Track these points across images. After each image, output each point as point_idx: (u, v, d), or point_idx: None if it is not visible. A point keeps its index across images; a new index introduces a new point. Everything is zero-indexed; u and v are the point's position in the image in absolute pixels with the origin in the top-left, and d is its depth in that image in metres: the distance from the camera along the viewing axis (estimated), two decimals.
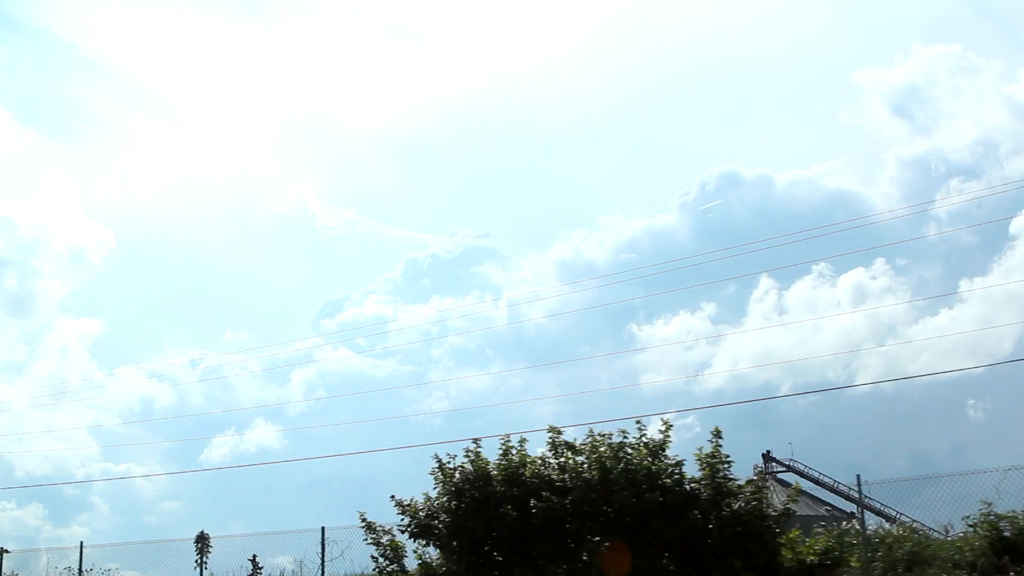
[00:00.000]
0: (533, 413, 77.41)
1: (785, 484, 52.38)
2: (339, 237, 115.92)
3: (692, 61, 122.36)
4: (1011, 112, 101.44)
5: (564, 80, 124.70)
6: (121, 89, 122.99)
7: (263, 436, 70.74)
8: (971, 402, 79.49)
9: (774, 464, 54.41)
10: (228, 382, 75.37)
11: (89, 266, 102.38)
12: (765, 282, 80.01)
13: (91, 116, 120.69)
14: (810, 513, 50.39)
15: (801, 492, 21.35)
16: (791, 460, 54.35)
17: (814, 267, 76.09)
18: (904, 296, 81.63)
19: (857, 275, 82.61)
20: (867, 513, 20.68)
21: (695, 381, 69.68)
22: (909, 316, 75.26)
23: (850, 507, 52.37)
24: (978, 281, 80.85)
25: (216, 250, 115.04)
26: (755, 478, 19.23)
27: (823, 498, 52.58)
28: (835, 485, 53.60)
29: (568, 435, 19.48)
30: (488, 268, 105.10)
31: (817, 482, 54.13)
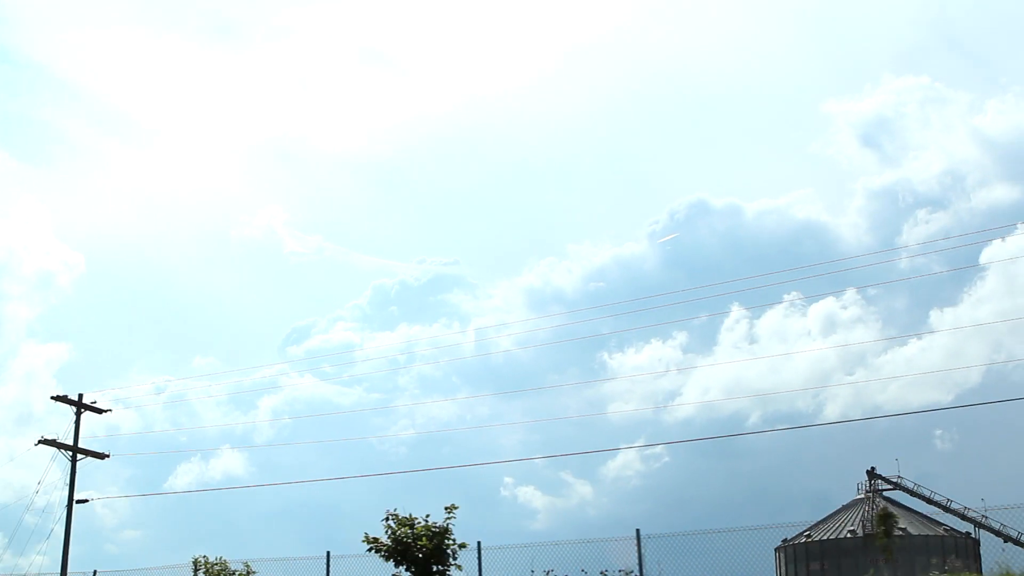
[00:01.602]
0: (500, 442, 76.76)
1: (894, 503, 49.33)
2: (307, 263, 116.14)
3: (663, 90, 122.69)
4: (978, 144, 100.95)
5: (534, 108, 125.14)
6: (92, 112, 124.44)
7: (229, 463, 71.88)
8: (938, 432, 78.38)
9: (879, 482, 51.07)
10: (194, 408, 77.37)
11: (58, 290, 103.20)
12: (736, 311, 78.50)
13: (62, 138, 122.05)
14: (928, 533, 47.38)
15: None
16: (899, 477, 51.01)
17: (785, 296, 74.02)
18: (874, 326, 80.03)
19: (827, 305, 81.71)
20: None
21: (665, 410, 69.39)
22: (879, 346, 74.42)
23: (966, 527, 49.28)
24: (948, 311, 79.42)
25: (185, 275, 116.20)
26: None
27: (933, 517, 49.36)
28: (948, 504, 50.22)
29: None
30: (456, 296, 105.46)
31: (929, 501, 50.82)
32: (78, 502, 34.76)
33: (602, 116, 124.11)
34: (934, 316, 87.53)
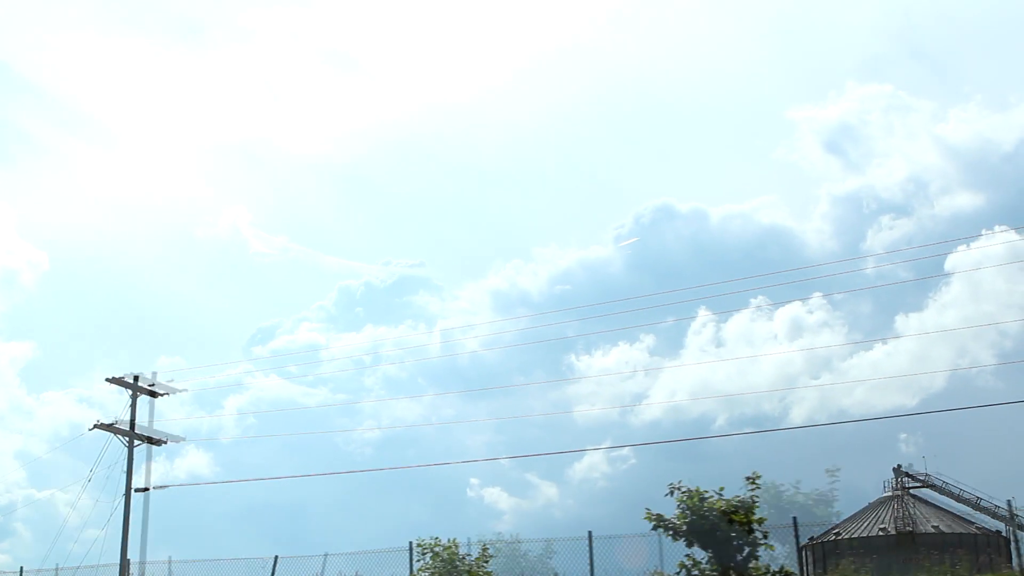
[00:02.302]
0: (465, 442, 76.86)
1: (922, 500, 49.20)
2: (272, 264, 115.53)
3: (629, 95, 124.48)
4: (941, 151, 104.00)
5: (501, 111, 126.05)
6: (56, 112, 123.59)
7: (194, 462, 71.53)
8: (903, 436, 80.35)
9: (907, 479, 50.91)
10: (158, 408, 74.51)
11: (21, 288, 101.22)
12: (703, 315, 79.82)
13: (24, 138, 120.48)
14: (960, 531, 47.24)
15: None
16: (926, 475, 50.90)
17: (752, 300, 75.20)
18: (840, 331, 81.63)
19: (794, 309, 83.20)
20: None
21: (631, 412, 70.08)
22: (844, 350, 76.01)
23: (998, 525, 49.34)
24: (913, 317, 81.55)
25: (150, 274, 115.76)
26: None
27: (965, 516, 49.30)
28: (978, 502, 50.26)
29: None
30: (422, 297, 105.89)
31: (958, 498, 50.74)
32: (136, 491, 32.74)
33: (568, 121, 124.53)
34: (899, 321, 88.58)
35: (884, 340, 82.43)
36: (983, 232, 38.34)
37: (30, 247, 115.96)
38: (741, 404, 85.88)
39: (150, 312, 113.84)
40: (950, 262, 64.87)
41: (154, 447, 33.57)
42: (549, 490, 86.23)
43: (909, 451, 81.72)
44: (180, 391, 34.11)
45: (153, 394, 34.04)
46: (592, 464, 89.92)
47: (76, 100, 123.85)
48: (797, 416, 76.24)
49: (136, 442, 33.18)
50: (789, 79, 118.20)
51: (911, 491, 50.68)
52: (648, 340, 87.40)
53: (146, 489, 32.79)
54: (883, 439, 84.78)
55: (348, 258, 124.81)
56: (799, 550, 49.59)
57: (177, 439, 34.01)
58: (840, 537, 49.25)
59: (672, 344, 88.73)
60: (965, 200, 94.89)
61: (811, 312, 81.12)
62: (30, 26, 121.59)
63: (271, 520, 71.22)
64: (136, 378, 33.80)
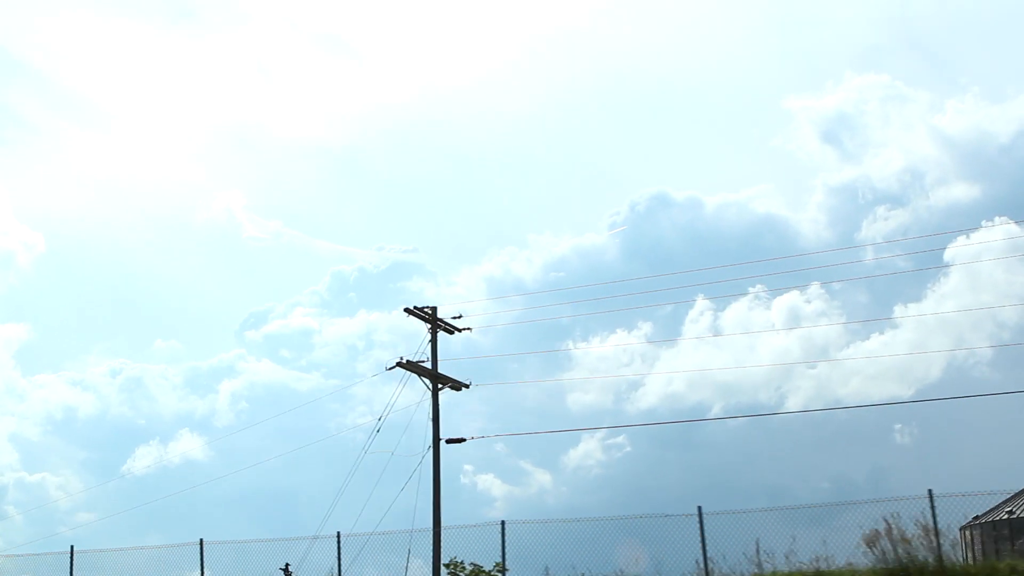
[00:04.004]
0: (460, 430, 75.37)
1: None
2: (265, 248, 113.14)
3: (625, 82, 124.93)
4: (937, 142, 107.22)
5: (495, 96, 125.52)
6: (49, 93, 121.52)
7: (187, 447, 71.09)
8: (898, 427, 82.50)
9: None
10: (151, 392, 76.99)
11: (17, 270, 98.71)
12: (700, 303, 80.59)
13: (18, 119, 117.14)
14: None
15: None
16: None
17: (750, 289, 75.55)
18: (838, 320, 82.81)
19: (791, 298, 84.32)
20: None
21: (627, 400, 69.48)
22: (841, 340, 77.03)
23: None
24: (912, 307, 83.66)
25: (144, 257, 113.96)
26: None
27: None
28: None
29: None
30: (416, 283, 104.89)
31: None
32: (448, 441, 27.77)
33: (563, 107, 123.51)
34: (897, 311, 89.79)
35: (881, 331, 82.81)
36: (983, 223, 37.55)
37: (26, 229, 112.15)
38: (737, 393, 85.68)
39: (144, 295, 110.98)
40: (949, 252, 65.02)
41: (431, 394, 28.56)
42: (543, 477, 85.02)
43: (904, 441, 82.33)
44: (466, 329, 29.26)
45: (452, 329, 29.08)
46: (587, 451, 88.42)
47: (70, 82, 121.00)
48: (792, 405, 76.06)
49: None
50: (786, 68, 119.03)
51: None
52: (646, 327, 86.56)
53: (460, 440, 27.79)
54: (877, 429, 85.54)
55: (341, 243, 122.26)
56: (963, 530, 47.32)
57: (459, 384, 29.09)
58: (1014, 515, 47.12)
59: (670, 332, 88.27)
60: (961, 191, 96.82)
61: (809, 302, 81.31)
62: (23, 7, 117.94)
63: (263, 505, 69.56)
64: (435, 310, 28.78)
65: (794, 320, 78.57)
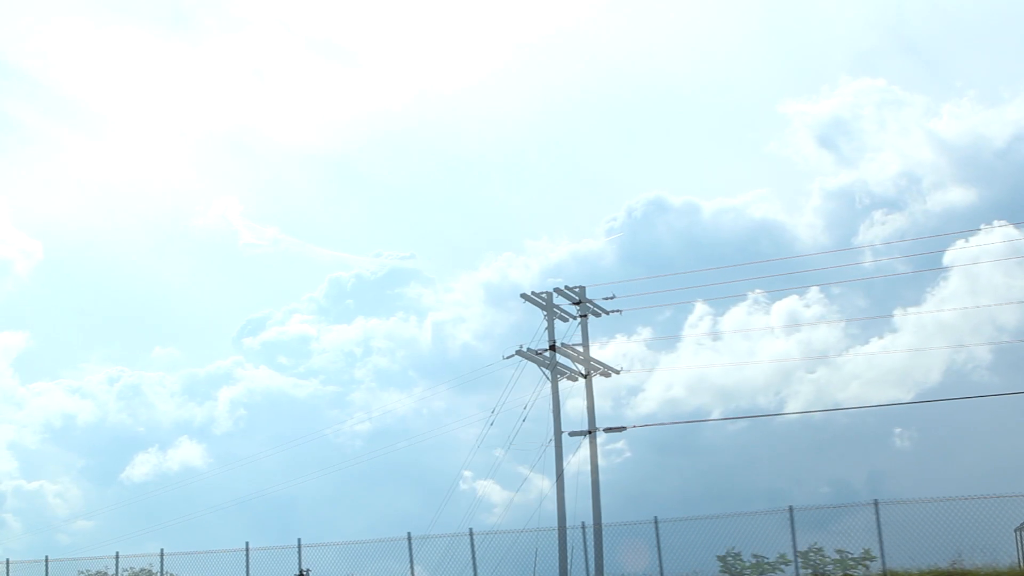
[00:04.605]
0: (457, 435, 75.55)
1: None
2: (262, 255, 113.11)
3: (621, 87, 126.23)
4: (934, 147, 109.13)
5: (490, 103, 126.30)
6: (45, 99, 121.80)
7: (187, 454, 71.54)
8: (898, 431, 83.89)
9: None
10: (149, 399, 77.47)
11: (15, 278, 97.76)
12: (700, 308, 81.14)
13: (14, 126, 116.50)
14: None
15: None
16: None
17: (749, 294, 76.26)
18: (837, 325, 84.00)
19: (791, 303, 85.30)
20: None
21: (626, 405, 70.48)
22: (841, 344, 77.96)
23: None
24: (911, 311, 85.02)
25: (142, 264, 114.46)
26: None
27: None
28: None
29: None
30: (413, 289, 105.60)
31: None
32: (571, 434, 26.28)
33: (559, 112, 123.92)
34: (897, 315, 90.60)
35: (880, 334, 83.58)
36: (981, 227, 37.82)
37: (24, 236, 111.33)
38: (736, 397, 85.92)
39: (142, 303, 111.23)
40: (948, 256, 65.52)
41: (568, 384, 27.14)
42: (542, 483, 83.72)
43: (903, 445, 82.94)
44: (613, 312, 27.78)
45: (598, 312, 27.57)
46: (586, 457, 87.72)
47: (66, 88, 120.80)
48: (792, 409, 76.55)
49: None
50: (782, 73, 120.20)
51: None
52: (645, 333, 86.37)
53: (588, 432, 26.30)
54: (876, 433, 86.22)
55: (338, 249, 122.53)
56: (1017, 531, 46.62)
57: (609, 370, 27.61)
58: None
59: (670, 337, 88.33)
60: (957, 195, 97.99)
61: (808, 306, 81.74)
62: (19, 13, 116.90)
63: (262, 511, 69.04)
64: (583, 290, 27.32)
65: (793, 324, 78.55)
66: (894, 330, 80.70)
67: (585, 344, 26.95)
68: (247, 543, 33.41)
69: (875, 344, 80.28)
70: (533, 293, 27.14)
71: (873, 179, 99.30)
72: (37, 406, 78.23)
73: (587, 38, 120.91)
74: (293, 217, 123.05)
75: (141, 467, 71.74)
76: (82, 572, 37.01)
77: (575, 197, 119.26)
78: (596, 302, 27.08)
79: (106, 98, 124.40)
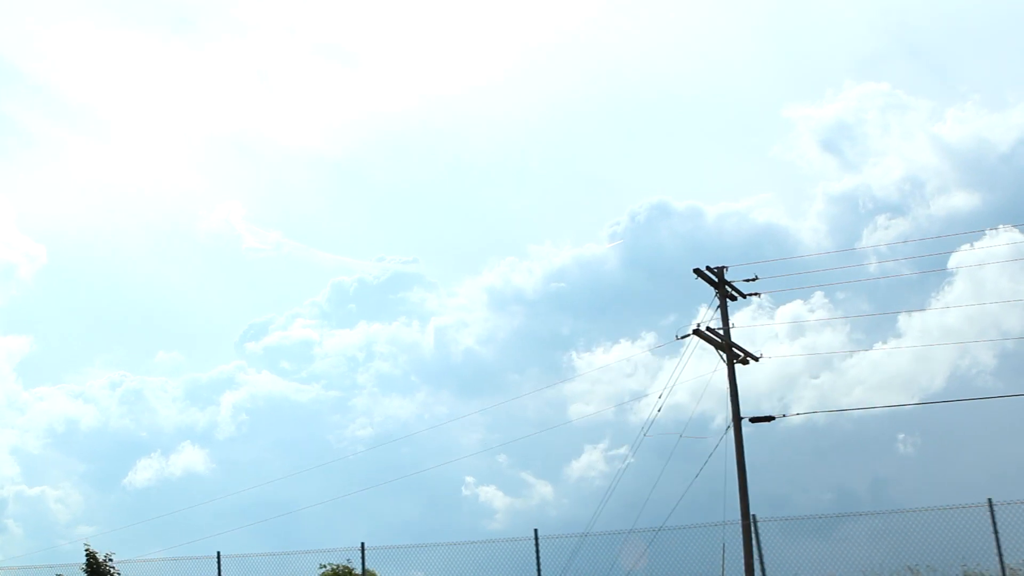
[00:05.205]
0: (460, 441, 75.66)
1: None
2: (265, 259, 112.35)
3: (624, 91, 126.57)
4: (938, 151, 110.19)
5: (494, 107, 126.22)
6: (49, 103, 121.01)
7: (189, 459, 71.54)
8: (901, 436, 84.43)
9: None
10: (152, 404, 77.56)
11: (19, 282, 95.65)
12: (704, 312, 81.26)
13: (18, 130, 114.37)
14: None
15: None
16: None
17: (754, 299, 76.44)
18: (842, 330, 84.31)
19: (795, 308, 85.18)
20: None
21: (630, 411, 70.10)
22: (845, 349, 78.12)
23: None
24: (916, 316, 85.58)
25: (146, 269, 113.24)
26: None
27: None
28: None
29: None
30: (416, 294, 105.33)
31: None
32: (753, 420, 24.36)
33: (563, 116, 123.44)
34: (901, 320, 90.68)
35: (884, 339, 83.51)
36: (986, 231, 37.60)
37: (28, 240, 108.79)
38: (741, 402, 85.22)
39: (146, 307, 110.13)
40: (953, 260, 65.29)
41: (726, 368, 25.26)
42: (544, 489, 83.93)
43: (907, 451, 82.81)
44: (753, 295, 25.96)
45: (734, 296, 25.73)
46: (590, 463, 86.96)
47: (70, 92, 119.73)
48: (795, 415, 76.19)
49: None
50: (786, 77, 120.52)
51: None
52: (650, 337, 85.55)
53: (768, 418, 24.39)
54: (880, 438, 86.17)
55: (341, 254, 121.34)
56: None
57: (749, 356, 25.74)
58: None
59: (675, 343, 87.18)
60: (961, 200, 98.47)
61: (812, 311, 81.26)
62: (22, 17, 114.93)
63: (264, 517, 67.64)
64: (722, 270, 25.45)
65: (798, 330, 77.92)
66: (898, 335, 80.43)
67: (726, 327, 25.08)
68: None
69: (879, 349, 79.83)
70: (708, 268, 25.20)
71: (877, 183, 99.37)
72: (39, 411, 78.41)
73: (590, 41, 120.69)
74: (296, 221, 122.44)
75: (143, 472, 71.42)
76: None
77: (578, 201, 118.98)
78: (734, 284, 25.33)
79: (109, 101, 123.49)
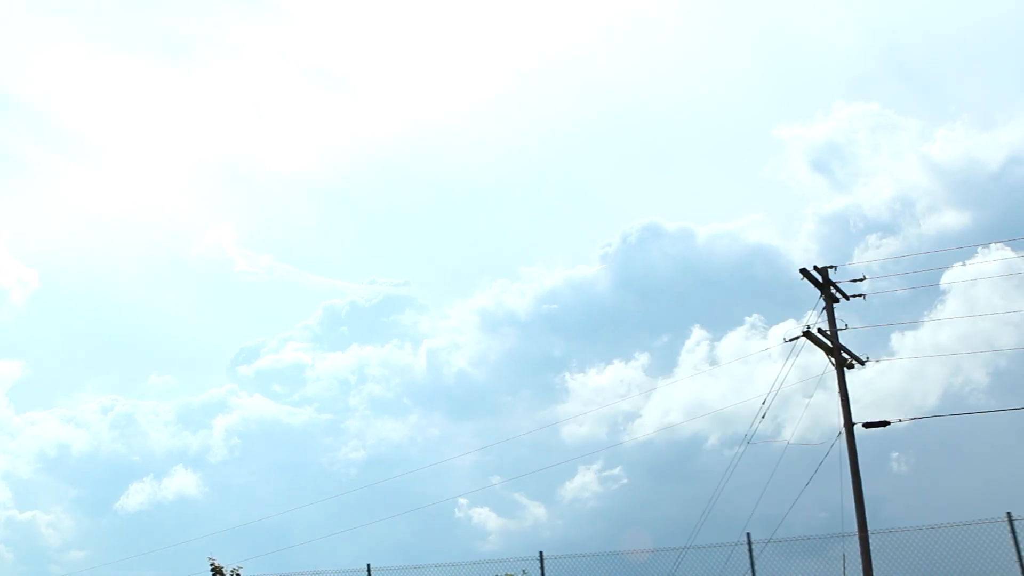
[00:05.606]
0: (453, 463, 75.70)
1: None
2: (257, 282, 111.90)
3: (615, 113, 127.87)
4: (928, 171, 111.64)
5: (485, 129, 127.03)
6: (41, 128, 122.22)
7: (181, 483, 72.10)
8: (895, 455, 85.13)
9: None
10: (143, 428, 78.42)
11: (10, 307, 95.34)
12: (697, 333, 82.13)
13: (10, 156, 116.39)
14: None
15: None
16: None
17: (746, 319, 77.07)
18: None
19: (788, 327, 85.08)
20: None
21: (624, 432, 70.67)
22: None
23: None
24: (909, 335, 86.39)
25: (138, 293, 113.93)
26: None
27: None
28: None
29: None
30: (408, 316, 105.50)
31: None
32: (867, 425, 23.29)
33: (553, 138, 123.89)
34: (894, 339, 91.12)
35: (877, 359, 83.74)
36: (978, 249, 38.05)
37: (20, 265, 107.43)
38: (734, 423, 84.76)
39: (137, 331, 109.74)
40: (945, 278, 65.59)
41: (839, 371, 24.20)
42: (537, 510, 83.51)
43: (901, 470, 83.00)
44: (856, 296, 24.90)
45: (835, 298, 24.67)
46: (583, 484, 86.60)
47: (62, 117, 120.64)
48: (788, 434, 75.67)
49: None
50: (776, 98, 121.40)
51: None
52: (643, 359, 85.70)
53: (883, 423, 23.31)
54: (874, 457, 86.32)
55: (333, 277, 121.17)
56: None
57: (855, 360, 24.63)
58: None
59: (666, 363, 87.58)
60: (951, 219, 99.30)
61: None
62: (14, 43, 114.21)
63: (256, 540, 67.06)
64: (826, 270, 24.42)
65: (792, 349, 77.89)
66: (891, 353, 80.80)
67: (833, 329, 23.98)
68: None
69: (872, 368, 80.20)
70: (815, 268, 24.14)
71: (867, 203, 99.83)
72: (31, 436, 78.32)
73: (580, 64, 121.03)
74: (287, 244, 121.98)
75: (135, 496, 71.36)
76: None
77: (569, 223, 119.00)
78: (837, 284, 24.25)
79: (101, 127, 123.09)
